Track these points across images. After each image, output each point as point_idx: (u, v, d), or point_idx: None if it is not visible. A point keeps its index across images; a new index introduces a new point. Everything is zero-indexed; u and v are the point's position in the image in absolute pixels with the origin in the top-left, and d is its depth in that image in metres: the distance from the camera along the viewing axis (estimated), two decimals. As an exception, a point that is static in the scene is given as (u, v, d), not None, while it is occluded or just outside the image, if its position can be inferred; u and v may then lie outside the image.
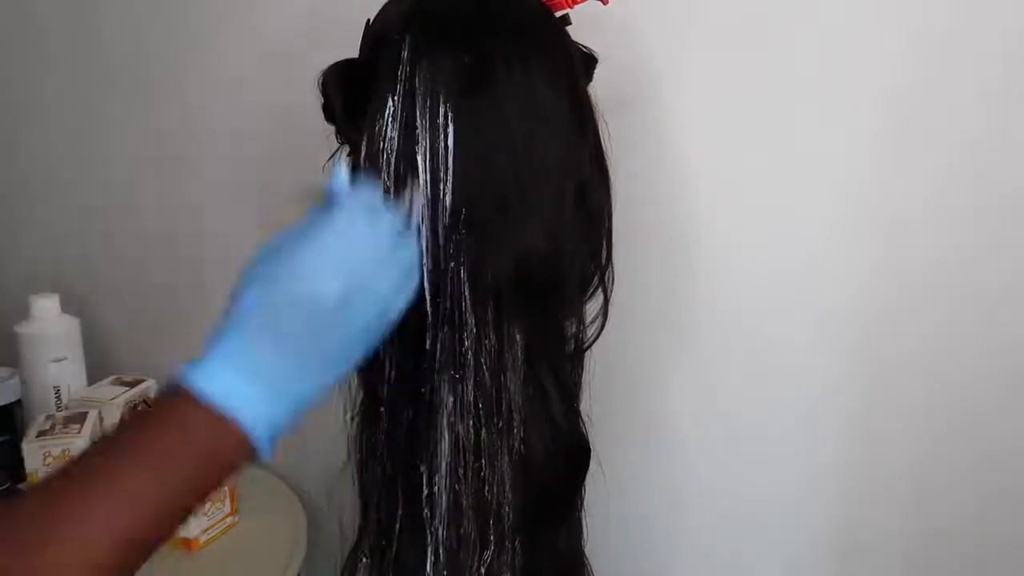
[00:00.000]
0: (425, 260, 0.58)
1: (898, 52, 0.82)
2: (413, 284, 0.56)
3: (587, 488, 0.69)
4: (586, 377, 0.70)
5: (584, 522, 0.71)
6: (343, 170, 0.55)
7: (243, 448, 0.49)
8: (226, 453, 0.49)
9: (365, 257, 0.52)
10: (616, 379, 0.83)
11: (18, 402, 1.01)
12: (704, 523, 0.98)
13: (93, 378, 1.05)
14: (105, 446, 0.49)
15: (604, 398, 0.73)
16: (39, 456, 0.88)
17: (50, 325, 1.03)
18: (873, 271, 0.87)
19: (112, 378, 1.05)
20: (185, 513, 0.49)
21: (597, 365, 0.71)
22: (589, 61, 0.66)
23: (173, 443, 0.47)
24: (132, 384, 1.03)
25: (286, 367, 0.50)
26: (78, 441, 0.88)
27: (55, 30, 1.17)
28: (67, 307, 1.05)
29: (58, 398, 1.03)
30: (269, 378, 0.49)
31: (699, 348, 0.94)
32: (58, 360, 1.02)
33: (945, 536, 0.89)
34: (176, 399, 0.48)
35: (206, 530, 0.96)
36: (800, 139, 0.86)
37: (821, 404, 0.91)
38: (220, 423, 0.48)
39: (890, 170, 0.84)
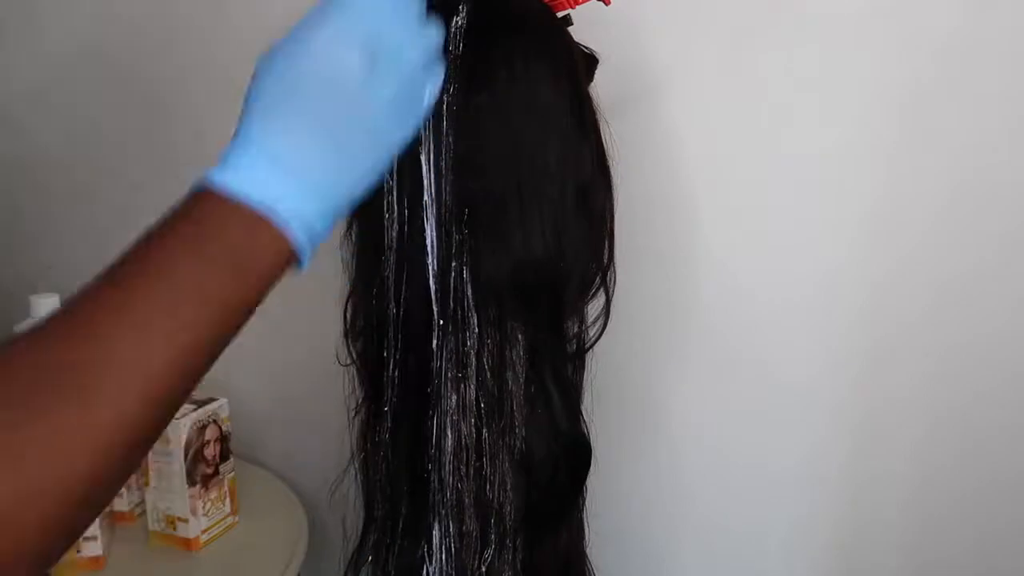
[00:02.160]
0: (430, 259, 0.58)
1: (898, 52, 0.82)
2: (441, 71, 0.50)
3: (588, 489, 0.69)
4: (588, 377, 0.70)
5: (586, 522, 0.71)
6: None
7: (281, 251, 0.43)
8: (262, 258, 0.43)
9: (386, 20, 0.46)
10: (617, 380, 0.83)
11: (18, 402, 1.01)
12: (704, 524, 0.98)
13: (93, 378, 1.05)
14: (115, 271, 0.43)
15: (605, 399, 0.73)
16: (39, 456, 0.88)
17: (50, 325, 1.03)
18: (873, 273, 0.87)
19: (112, 378, 1.05)
20: (217, 343, 0.42)
21: (598, 365, 0.71)
22: (591, 62, 0.66)
23: (201, 252, 0.42)
24: (132, 384, 1.03)
25: (317, 151, 0.44)
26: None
27: (59, 30, 1.17)
28: (67, 307, 1.05)
29: (58, 398, 1.02)
30: (301, 166, 0.43)
31: (701, 348, 0.94)
32: (58, 360, 1.02)
33: (946, 531, 0.90)
34: (196, 202, 0.43)
35: (206, 530, 0.96)
36: (802, 139, 0.86)
37: (822, 404, 0.91)
38: (253, 221, 0.42)
39: (890, 170, 0.84)
